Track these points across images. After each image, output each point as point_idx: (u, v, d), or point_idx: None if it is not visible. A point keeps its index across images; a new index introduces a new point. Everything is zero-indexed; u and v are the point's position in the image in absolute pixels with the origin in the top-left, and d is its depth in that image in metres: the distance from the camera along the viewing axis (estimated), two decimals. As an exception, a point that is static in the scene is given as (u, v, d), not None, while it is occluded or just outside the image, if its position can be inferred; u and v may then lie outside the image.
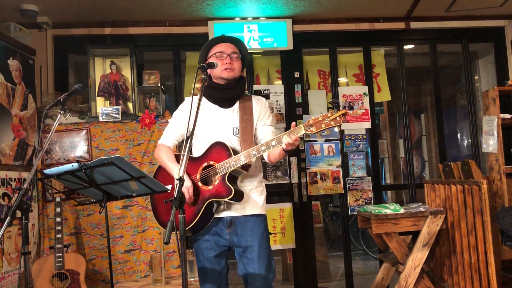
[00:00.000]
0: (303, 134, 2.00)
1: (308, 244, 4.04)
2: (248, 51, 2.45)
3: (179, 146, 2.54)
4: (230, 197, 2.12)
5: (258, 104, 2.35)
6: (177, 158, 2.31)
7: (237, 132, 2.27)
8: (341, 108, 1.96)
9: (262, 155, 2.25)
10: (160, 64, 4.44)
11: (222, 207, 2.26)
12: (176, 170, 2.23)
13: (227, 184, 2.13)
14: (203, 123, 2.29)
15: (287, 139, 1.99)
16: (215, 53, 2.29)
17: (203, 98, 2.32)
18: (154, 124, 3.46)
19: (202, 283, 2.32)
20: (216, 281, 2.29)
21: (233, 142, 2.24)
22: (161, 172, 2.37)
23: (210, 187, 2.18)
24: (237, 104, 2.32)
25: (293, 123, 2.04)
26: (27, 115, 3.32)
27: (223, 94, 2.31)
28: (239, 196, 2.18)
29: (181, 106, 2.44)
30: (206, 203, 2.16)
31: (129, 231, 3.38)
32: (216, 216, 2.25)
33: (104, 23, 3.99)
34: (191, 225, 2.19)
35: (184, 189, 2.10)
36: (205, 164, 2.22)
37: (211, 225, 2.26)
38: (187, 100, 2.43)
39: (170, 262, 3.38)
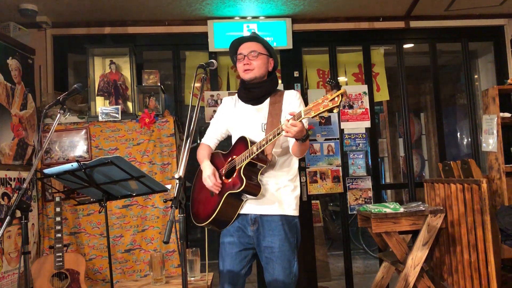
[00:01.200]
0: (306, 119, 1.92)
1: (308, 243, 4.04)
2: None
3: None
4: (241, 189, 2.08)
5: (287, 98, 2.29)
6: (214, 156, 2.38)
7: (264, 128, 2.25)
8: (339, 87, 1.84)
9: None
10: (159, 64, 4.45)
11: (247, 203, 2.23)
12: (204, 164, 2.29)
13: (241, 176, 2.10)
14: (237, 121, 2.33)
15: (285, 125, 1.92)
16: (237, 56, 2.32)
17: (238, 99, 2.38)
18: (154, 124, 3.46)
19: (221, 282, 2.28)
20: (232, 280, 2.24)
21: (261, 138, 2.15)
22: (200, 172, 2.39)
23: (230, 180, 2.18)
24: (267, 100, 2.31)
25: (292, 111, 1.96)
26: (26, 114, 3.32)
27: (249, 94, 2.32)
28: (252, 189, 2.13)
29: (219, 107, 2.48)
30: (225, 195, 2.15)
31: (129, 230, 3.38)
32: (241, 212, 2.23)
33: (103, 23, 3.99)
34: (212, 218, 2.18)
35: (206, 178, 2.19)
36: (229, 159, 2.25)
37: (237, 221, 2.25)
38: (224, 100, 2.47)
39: (170, 262, 3.38)
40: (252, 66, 2.25)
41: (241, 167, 2.12)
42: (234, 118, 2.37)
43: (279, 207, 2.22)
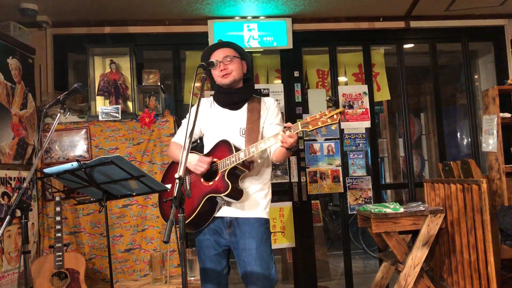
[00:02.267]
0: (300, 132, 2.01)
1: (308, 243, 4.04)
2: (248, 50, 2.47)
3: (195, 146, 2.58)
4: (226, 193, 2.12)
5: (266, 105, 2.35)
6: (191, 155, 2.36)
7: (243, 133, 2.28)
8: (340, 106, 1.95)
9: (269, 155, 2.29)
10: (159, 63, 4.44)
11: (223, 206, 2.26)
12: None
13: (225, 180, 2.14)
14: (213, 125, 2.36)
15: (283, 136, 1.99)
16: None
17: (214, 102, 2.41)
18: (154, 123, 3.46)
19: (203, 283, 2.33)
20: (215, 280, 2.29)
21: (239, 142, 2.25)
22: (171, 168, 2.43)
23: (211, 183, 2.20)
24: (245, 106, 2.35)
25: (289, 123, 2.04)
26: (26, 114, 3.32)
27: (228, 98, 2.35)
28: (236, 193, 2.17)
29: (193, 107, 2.48)
30: (205, 198, 2.18)
31: (128, 230, 3.38)
32: (217, 215, 2.26)
33: (103, 22, 3.98)
34: (189, 219, 2.20)
35: (196, 165, 2.19)
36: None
37: (213, 224, 2.27)
38: (200, 100, 2.47)
39: (170, 261, 3.38)
40: (229, 70, 2.29)
41: (225, 171, 2.15)
42: (209, 119, 2.39)
43: (255, 210, 2.26)
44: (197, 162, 2.22)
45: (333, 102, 1.95)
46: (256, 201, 2.27)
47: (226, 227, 2.26)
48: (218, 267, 2.28)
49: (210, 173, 2.23)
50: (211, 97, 2.45)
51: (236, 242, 2.24)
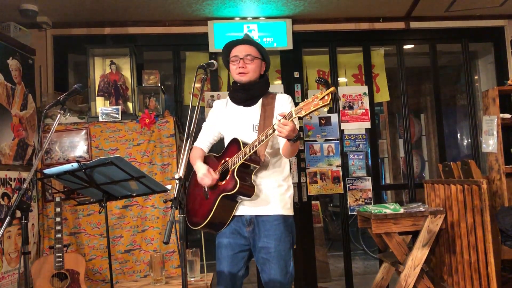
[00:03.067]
0: (296, 119, 1.93)
1: (308, 244, 4.04)
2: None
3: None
4: (235, 190, 2.09)
5: (280, 101, 2.32)
6: (207, 158, 2.38)
7: (256, 129, 2.27)
8: (330, 86, 1.84)
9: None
10: (160, 64, 4.44)
11: (242, 204, 2.24)
12: (197, 164, 2.29)
13: (234, 178, 2.12)
14: (229, 123, 2.35)
15: (278, 125, 1.94)
16: (231, 58, 2.32)
17: (229, 100, 2.40)
18: (154, 124, 3.46)
19: (217, 284, 2.30)
20: (229, 282, 2.25)
21: (252, 139, 2.18)
22: (194, 174, 2.40)
23: (223, 182, 2.19)
24: (259, 102, 2.33)
25: (283, 112, 1.99)
26: (26, 115, 3.32)
27: (242, 95, 2.33)
28: (246, 190, 2.14)
29: (210, 111, 2.50)
30: (219, 197, 2.16)
31: (128, 231, 3.37)
32: (236, 214, 2.25)
33: (103, 23, 3.99)
34: (207, 220, 2.18)
35: (202, 179, 2.19)
36: (223, 161, 2.26)
37: (232, 223, 2.25)
38: (215, 103, 2.49)
39: (170, 262, 3.38)
40: (247, 70, 2.28)
41: (234, 169, 2.14)
42: (225, 119, 2.38)
43: (274, 207, 2.23)
44: (202, 177, 2.21)
45: (324, 82, 1.87)
46: (275, 197, 2.24)
47: (245, 225, 2.24)
48: (234, 269, 2.25)
49: (224, 173, 2.23)
50: (227, 97, 2.44)
51: (256, 240, 2.22)
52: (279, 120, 1.94)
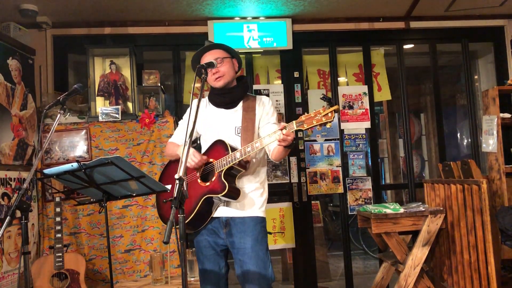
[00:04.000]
0: (295, 130, 2.00)
1: (308, 243, 4.04)
2: (248, 51, 2.47)
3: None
4: (224, 193, 2.13)
5: (261, 103, 2.36)
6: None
7: (238, 132, 2.29)
8: (334, 104, 1.91)
9: (267, 154, 2.30)
10: (159, 64, 4.44)
11: (220, 206, 2.26)
12: (180, 149, 2.31)
13: (222, 181, 2.14)
14: (209, 124, 2.36)
15: (283, 135, 1.99)
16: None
17: (209, 102, 2.41)
18: (154, 124, 3.46)
19: (202, 284, 2.33)
20: (214, 281, 2.30)
21: (235, 141, 2.26)
22: (168, 168, 2.44)
23: (208, 184, 2.20)
24: (240, 105, 2.35)
25: (284, 123, 2.04)
26: (26, 115, 3.32)
27: (222, 99, 2.36)
28: (234, 193, 2.18)
29: (189, 109, 2.50)
30: (203, 198, 2.19)
31: (128, 230, 3.37)
32: (214, 215, 2.27)
33: (103, 23, 3.99)
34: (188, 220, 2.20)
35: (192, 160, 2.19)
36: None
37: (210, 224, 2.28)
38: (194, 102, 2.48)
39: (170, 262, 3.37)
40: (222, 73, 2.30)
41: (222, 171, 2.15)
42: (205, 119, 2.39)
43: (250, 209, 2.26)
44: (189, 155, 2.21)
45: (327, 100, 1.94)
46: (252, 200, 2.28)
47: (222, 227, 2.27)
48: (216, 267, 2.29)
49: (207, 174, 2.23)
50: (206, 98, 2.45)
51: (233, 241, 2.24)
52: (281, 129, 1.99)
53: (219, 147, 2.22)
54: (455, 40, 4.40)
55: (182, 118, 2.56)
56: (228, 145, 2.19)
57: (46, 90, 3.80)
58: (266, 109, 2.34)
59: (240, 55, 2.50)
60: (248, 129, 2.25)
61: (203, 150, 2.38)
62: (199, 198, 2.19)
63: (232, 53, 2.38)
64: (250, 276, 2.18)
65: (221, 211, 2.27)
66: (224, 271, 2.33)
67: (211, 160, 2.24)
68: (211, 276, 2.29)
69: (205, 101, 2.46)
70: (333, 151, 4.11)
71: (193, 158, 2.20)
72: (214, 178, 2.19)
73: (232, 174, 2.21)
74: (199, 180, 2.25)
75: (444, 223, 3.30)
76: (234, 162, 2.13)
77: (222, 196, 2.14)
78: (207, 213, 2.25)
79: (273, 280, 2.24)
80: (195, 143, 2.57)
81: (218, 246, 2.29)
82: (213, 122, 2.36)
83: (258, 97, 2.39)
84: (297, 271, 4.04)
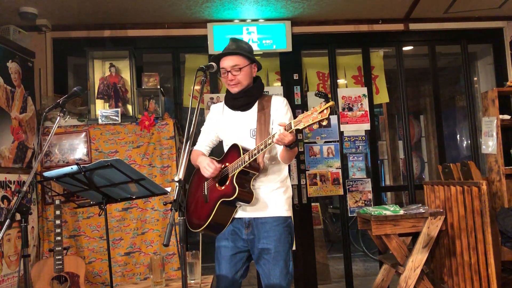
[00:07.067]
0: (295, 130, 1.98)
1: (308, 245, 4.04)
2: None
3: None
4: (234, 196, 2.12)
5: (274, 104, 2.33)
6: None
7: (253, 134, 2.29)
8: (330, 100, 1.87)
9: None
10: (159, 66, 4.45)
11: (240, 208, 2.27)
12: (200, 159, 2.32)
13: (233, 184, 2.15)
14: (227, 128, 2.38)
15: (279, 135, 1.99)
16: (221, 69, 2.34)
17: (225, 106, 2.41)
18: (154, 126, 3.46)
19: (217, 285, 2.33)
20: (228, 283, 2.27)
21: (250, 144, 2.25)
22: (195, 175, 2.44)
23: (223, 187, 2.21)
24: (255, 106, 2.34)
25: (282, 123, 2.03)
26: (26, 117, 3.32)
27: (237, 102, 2.35)
28: (245, 196, 2.17)
29: (208, 115, 2.52)
30: (219, 202, 2.19)
31: (128, 233, 3.37)
32: (236, 216, 2.28)
33: (103, 26, 3.99)
34: (207, 223, 2.21)
35: (204, 168, 2.23)
36: (223, 166, 2.28)
37: (232, 225, 2.28)
38: (212, 107, 2.51)
39: (170, 265, 3.37)
40: (237, 80, 2.29)
41: (233, 175, 2.16)
42: (223, 124, 2.40)
43: (272, 209, 2.26)
44: (204, 165, 2.24)
45: (324, 96, 1.92)
46: (274, 199, 2.27)
47: (244, 228, 2.27)
48: (232, 270, 2.28)
49: (224, 178, 2.25)
50: (223, 102, 2.45)
51: (254, 242, 2.24)
52: (279, 130, 1.98)
53: (234, 151, 2.24)
54: (454, 42, 4.41)
55: (200, 124, 2.55)
56: (241, 149, 2.20)
57: (46, 93, 3.81)
58: (280, 110, 2.32)
59: None
60: (263, 131, 2.25)
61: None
62: (216, 201, 2.21)
63: (251, 59, 2.35)
64: (272, 277, 2.20)
65: (243, 212, 2.27)
66: (238, 277, 2.30)
67: (226, 164, 2.25)
68: (225, 279, 2.27)
69: (220, 105, 2.46)
70: (333, 153, 4.11)
71: (207, 168, 2.22)
72: (228, 182, 2.20)
73: (246, 177, 2.20)
74: (217, 185, 2.26)
75: (444, 225, 3.30)
76: (243, 165, 2.13)
77: (233, 199, 2.15)
78: (227, 215, 2.26)
79: (292, 276, 2.27)
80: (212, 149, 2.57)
81: (237, 248, 2.28)
82: (230, 126, 2.37)
83: (273, 97, 2.37)
84: (297, 273, 4.04)
